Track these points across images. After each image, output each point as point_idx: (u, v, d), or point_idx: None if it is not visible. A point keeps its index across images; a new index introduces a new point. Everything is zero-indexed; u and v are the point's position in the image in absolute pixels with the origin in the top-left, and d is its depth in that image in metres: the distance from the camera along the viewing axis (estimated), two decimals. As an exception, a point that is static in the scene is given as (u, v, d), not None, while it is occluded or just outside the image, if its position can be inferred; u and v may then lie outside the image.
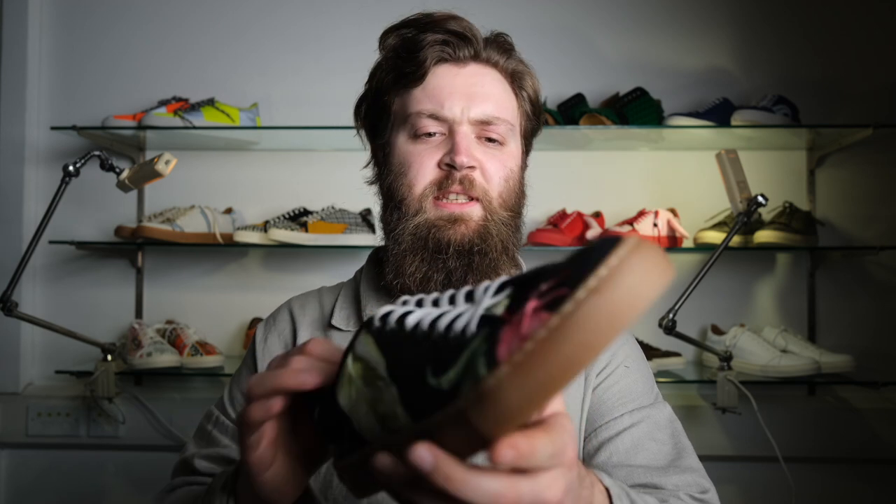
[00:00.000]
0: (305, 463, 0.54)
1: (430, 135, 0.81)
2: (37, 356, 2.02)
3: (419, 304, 0.46)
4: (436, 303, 0.45)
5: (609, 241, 0.37)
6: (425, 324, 0.43)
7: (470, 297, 0.43)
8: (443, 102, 0.80)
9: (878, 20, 1.98)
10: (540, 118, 0.91)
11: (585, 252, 0.38)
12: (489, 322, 0.39)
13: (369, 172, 0.91)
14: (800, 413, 1.82)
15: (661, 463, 0.75)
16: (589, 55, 2.02)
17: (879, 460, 1.83)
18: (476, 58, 0.83)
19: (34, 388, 1.98)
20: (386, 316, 0.46)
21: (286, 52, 2.05)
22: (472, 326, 0.40)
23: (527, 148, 0.90)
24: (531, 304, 0.37)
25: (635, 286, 0.35)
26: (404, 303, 0.47)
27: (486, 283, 0.43)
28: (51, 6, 2.07)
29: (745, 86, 1.99)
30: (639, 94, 1.85)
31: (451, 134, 0.80)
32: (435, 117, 0.80)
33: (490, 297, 0.41)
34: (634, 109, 1.84)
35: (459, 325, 0.40)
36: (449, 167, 0.79)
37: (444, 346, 0.40)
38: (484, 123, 0.81)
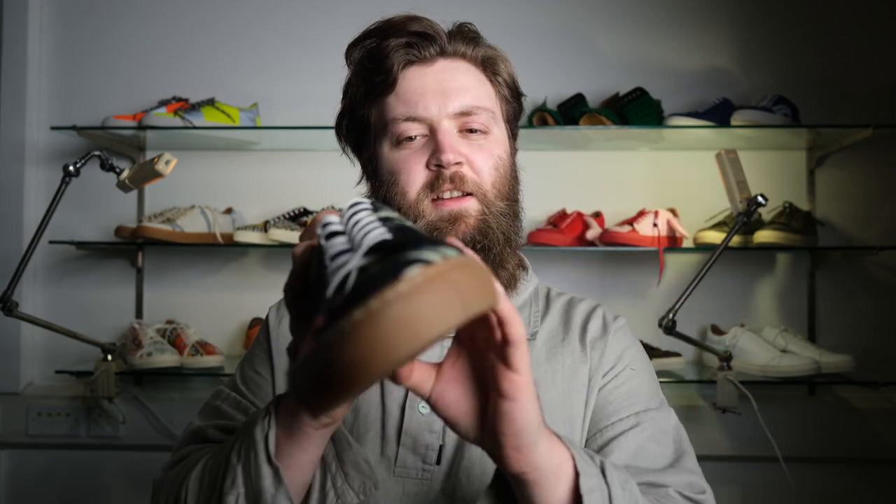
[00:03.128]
0: None
1: (411, 138, 0.80)
2: (37, 356, 2.02)
3: (350, 219, 0.47)
4: (352, 230, 0.46)
5: (406, 258, 0.39)
6: (326, 260, 0.45)
7: (349, 248, 0.45)
8: (417, 104, 0.79)
9: (878, 20, 1.98)
10: (521, 100, 0.90)
11: (381, 268, 0.40)
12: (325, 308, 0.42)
13: (364, 188, 0.90)
14: (800, 413, 1.82)
15: (660, 465, 0.75)
16: (589, 55, 2.02)
17: (879, 460, 1.83)
18: (443, 53, 0.82)
19: (34, 388, 1.98)
20: (325, 225, 0.47)
21: (286, 52, 2.05)
22: (321, 312, 0.43)
23: (513, 132, 0.89)
24: (319, 318, 0.41)
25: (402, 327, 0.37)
26: (354, 206, 0.48)
27: (366, 242, 0.43)
28: (51, 6, 2.07)
29: (745, 86, 1.99)
30: (639, 94, 1.85)
31: (432, 133, 0.80)
32: (413, 120, 0.80)
33: (335, 283, 0.42)
34: (634, 109, 1.83)
35: (327, 291, 0.43)
36: (437, 167, 0.79)
37: (316, 298, 0.45)
38: (464, 115, 0.80)
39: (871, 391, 1.85)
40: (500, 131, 0.84)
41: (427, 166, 0.80)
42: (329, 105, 2.17)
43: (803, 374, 1.76)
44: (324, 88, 2.07)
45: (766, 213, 1.88)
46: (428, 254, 0.39)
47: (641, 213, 1.85)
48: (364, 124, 0.86)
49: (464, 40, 0.83)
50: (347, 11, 2.03)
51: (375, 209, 0.48)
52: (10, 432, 1.92)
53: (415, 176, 0.80)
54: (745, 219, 1.61)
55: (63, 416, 1.90)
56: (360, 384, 0.39)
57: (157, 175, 1.55)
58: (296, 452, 0.59)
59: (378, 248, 0.42)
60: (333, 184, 2.01)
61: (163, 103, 1.90)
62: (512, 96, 0.87)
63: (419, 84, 0.80)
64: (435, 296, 0.37)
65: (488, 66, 0.85)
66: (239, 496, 0.59)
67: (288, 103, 2.03)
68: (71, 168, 1.58)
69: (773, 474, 1.71)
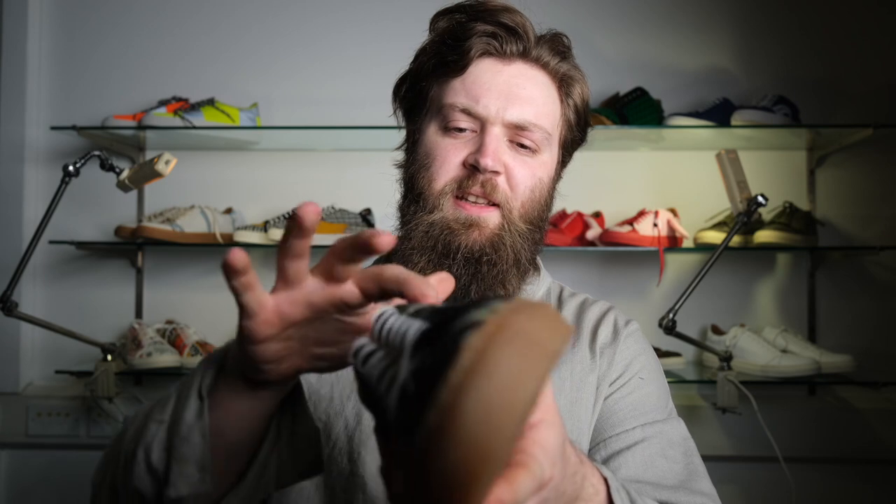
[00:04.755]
0: (314, 356, 0.52)
1: (460, 130, 0.77)
2: (37, 356, 2.02)
3: (381, 331, 0.41)
4: (387, 339, 0.40)
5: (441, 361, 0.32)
6: (373, 389, 0.40)
7: (391, 362, 0.39)
8: (479, 98, 0.76)
9: (878, 20, 1.98)
10: (585, 130, 0.86)
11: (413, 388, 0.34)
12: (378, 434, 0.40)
13: (400, 155, 0.87)
14: (800, 413, 1.82)
15: (671, 482, 0.73)
16: (589, 55, 2.02)
17: (879, 460, 1.83)
18: (524, 56, 0.78)
19: (34, 388, 1.98)
20: (356, 352, 0.43)
21: (286, 52, 2.05)
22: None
23: (564, 160, 0.86)
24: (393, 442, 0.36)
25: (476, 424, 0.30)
26: (379, 318, 0.43)
27: (407, 343, 0.38)
28: (51, 6, 2.07)
29: (745, 86, 1.99)
30: (639, 94, 1.85)
31: (481, 133, 0.77)
32: (468, 113, 0.77)
33: (394, 403, 0.36)
34: (634, 109, 1.84)
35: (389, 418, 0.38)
36: (473, 168, 0.76)
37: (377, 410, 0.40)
38: (518, 128, 0.77)
39: (871, 391, 1.85)
40: (550, 155, 0.81)
41: (463, 163, 0.77)
42: (329, 105, 2.17)
43: (803, 374, 1.76)
44: (324, 88, 2.08)
45: (766, 213, 1.87)
46: (476, 314, 0.33)
47: (641, 213, 1.85)
48: (422, 95, 0.82)
49: (551, 50, 0.80)
50: (348, 12, 2.03)
51: (402, 310, 0.43)
52: (10, 432, 1.92)
53: (448, 168, 0.77)
54: (745, 219, 1.61)
55: (63, 416, 1.90)
56: (478, 489, 0.31)
57: (157, 175, 1.55)
58: (230, 396, 0.55)
59: (422, 342, 0.36)
60: (334, 184, 2.02)
61: (163, 103, 1.89)
62: (577, 123, 0.84)
63: (489, 79, 0.77)
64: (507, 351, 0.31)
65: (564, 84, 0.82)
66: (162, 423, 0.58)
67: (288, 103, 2.03)
68: (71, 168, 1.58)
69: (773, 474, 1.71)
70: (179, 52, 2.06)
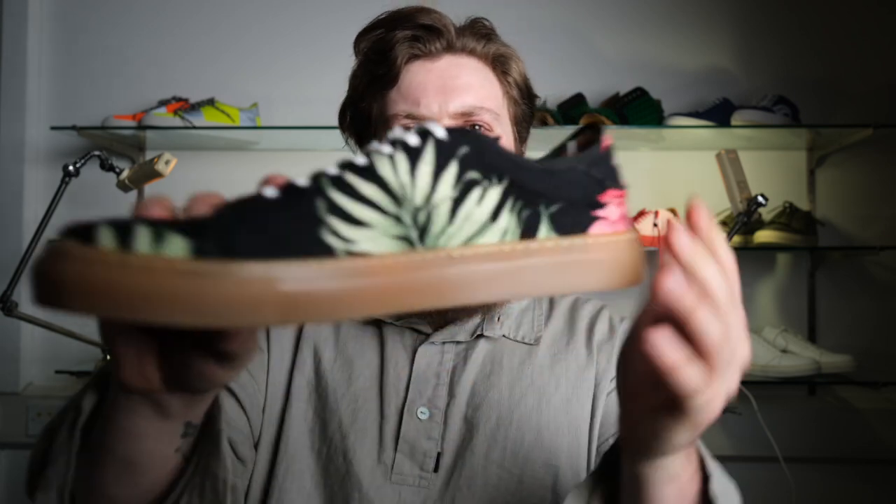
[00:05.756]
0: None
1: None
2: (37, 356, 2.02)
3: None
4: None
5: None
6: None
7: None
8: (418, 100, 0.77)
9: (878, 20, 1.98)
10: (532, 102, 0.86)
11: None
12: None
13: None
14: (800, 413, 1.82)
15: None
16: (589, 55, 2.02)
17: (879, 460, 1.83)
18: (450, 49, 0.79)
19: (34, 388, 1.97)
20: None
21: (286, 52, 2.05)
22: None
23: (520, 135, 0.86)
24: None
25: None
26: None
27: None
28: (51, 6, 2.07)
29: (745, 86, 1.99)
30: (639, 94, 1.85)
31: None
32: (412, 117, 0.77)
33: None
34: (634, 109, 1.83)
35: None
36: None
37: None
38: (465, 115, 0.77)
39: (871, 391, 1.85)
40: (503, 132, 0.82)
41: None
42: (329, 105, 2.15)
43: (803, 374, 1.76)
44: (324, 88, 2.07)
45: (766, 213, 1.87)
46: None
47: (641, 213, 1.84)
48: (366, 117, 0.83)
49: (474, 36, 0.80)
50: (348, 12, 2.02)
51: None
52: (10, 432, 1.92)
53: None
54: (745, 219, 1.61)
55: (63, 416, 1.90)
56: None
57: (157, 175, 1.55)
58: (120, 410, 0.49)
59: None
60: (333, 184, 2.02)
61: (163, 103, 1.89)
62: (522, 98, 0.84)
63: (422, 80, 0.78)
64: None
65: (498, 64, 0.82)
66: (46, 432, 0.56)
67: (288, 103, 2.03)
68: (71, 168, 1.58)
69: (773, 474, 1.71)
70: (179, 52, 2.06)
